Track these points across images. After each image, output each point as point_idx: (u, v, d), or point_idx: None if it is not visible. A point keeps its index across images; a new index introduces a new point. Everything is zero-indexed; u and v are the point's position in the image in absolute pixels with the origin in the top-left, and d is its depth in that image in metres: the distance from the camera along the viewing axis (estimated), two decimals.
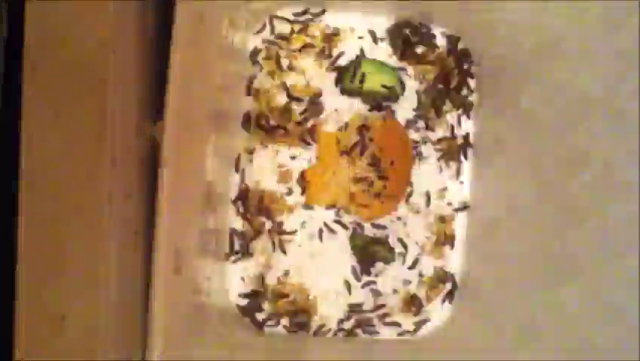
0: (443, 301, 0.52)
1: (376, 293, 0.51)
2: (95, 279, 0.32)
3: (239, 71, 0.50)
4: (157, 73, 0.35)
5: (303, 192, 0.51)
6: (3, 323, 0.30)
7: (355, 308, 0.51)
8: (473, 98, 0.53)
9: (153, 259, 0.33)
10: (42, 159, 0.31)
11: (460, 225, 0.52)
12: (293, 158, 0.51)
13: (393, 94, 0.52)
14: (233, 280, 0.50)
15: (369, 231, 0.51)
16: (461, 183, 0.53)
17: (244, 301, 0.50)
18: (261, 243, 0.50)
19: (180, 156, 0.35)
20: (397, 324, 0.51)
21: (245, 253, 0.50)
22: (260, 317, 0.50)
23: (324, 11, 0.51)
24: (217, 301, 0.48)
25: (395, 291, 0.51)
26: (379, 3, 0.51)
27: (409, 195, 0.52)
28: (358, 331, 0.51)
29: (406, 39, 0.52)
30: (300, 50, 0.51)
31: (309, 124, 0.51)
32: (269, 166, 0.51)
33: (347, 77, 0.51)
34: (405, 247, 0.52)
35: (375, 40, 0.52)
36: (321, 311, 0.51)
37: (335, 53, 0.52)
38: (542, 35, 0.45)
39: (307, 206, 0.51)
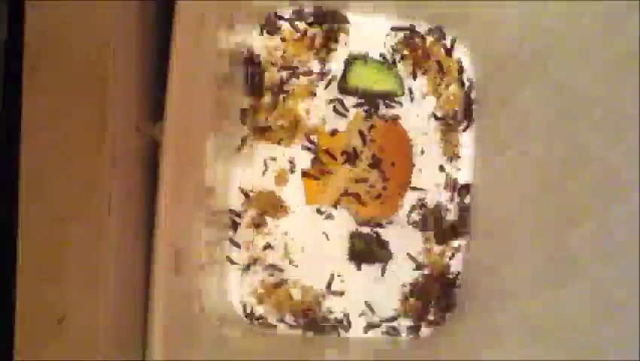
0: (443, 301, 0.52)
1: (376, 294, 0.51)
2: (95, 279, 0.32)
3: (239, 71, 0.50)
4: (157, 73, 0.35)
5: (303, 193, 0.51)
6: (3, 324, 0.30)
7: (354, 309, 0.51)
8: (473, 97, 0.53)
9: (153, 259, 0.33)
10: (42, 159, 0.31)
11: (460, 225, 0.52)
12: (293, 158, 0.51)
13: (394, 94, 0.52)
14: (233, 280, 0.50)
15: (369, 232, 0.51)
16: (462, 183, 0.53)
17: (244, 301, 0.50)
18: (262, 242, 0.50)
19: (180, 156, 0.35)
20: (397, 325, 0.51)
21: (246, 252, 0.50)
22: (260, 317, 0.50)
23: (326, 12, 0.51)
24: (218, 300, 0.48)
25: (395, 291, 0.51)
26: (380, 3, 0.51)
27: (410, 196, 0.52)
28: (358, 331, 0.51)
29: (409, 40, 0.52)
30: (301, 49, 0.51)
31: (310, 124, 0.51)
32: (270, 166, 0.50)
33: (349, 77, 0.51)
34: (405, 247, 0.52)
35: (377, 40, 0.52)
36: (321, 311, 0.51)
37: (337, 52, 0.52)
38: (542, 35, 0.45)
39: (307, 206, 0.51)
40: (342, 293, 0.51)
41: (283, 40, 0.51)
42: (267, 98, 0.50)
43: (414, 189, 0.52)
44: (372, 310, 0.51)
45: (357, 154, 0.51)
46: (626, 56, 0.37)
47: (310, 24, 0.51)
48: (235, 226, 0.50)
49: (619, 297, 0.36)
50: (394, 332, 0.51)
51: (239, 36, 0.49)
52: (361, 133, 0.51)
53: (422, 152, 0.52)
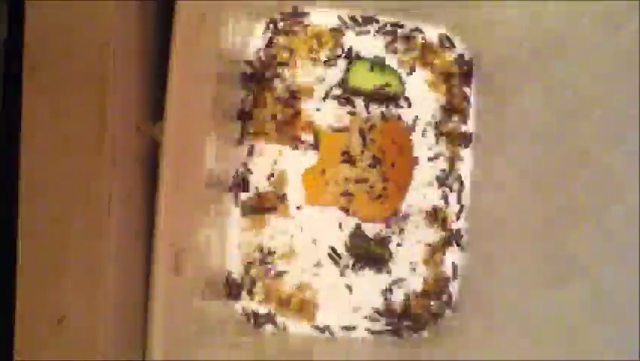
0: (443, 301, 0.52)
1: (376, 294, 0.51)
2: (95, 279, 0.32)
3: (240, 70, 0.50)
4: (157, 73, 0.35)
5: (303, 192, 0.51)
6: (3, 323, 0.30)
7: (354, 308, 0.51)
8: (473, 97, 0.53)
9: (153, 259, 0.33)
10: (42, 159, 0.31)
11: (460, 225, 0.52)
12: (294, 158, 0.51)
13: (395, 94, 0.52)
14: (233, 280, 0.50)
15: (368, 232, 0.51)
16: (462, 184, 0.53)
17: (244, 301, 0.50)
18: (261, 242, 0.50)
19: (180, 156, 0.35)
20: (397, 324, 0.51)
21: (245, 253, 0.50)
22: (260, 316, 0.50)
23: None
24: (218, 301, 0.48)
25: (395, 292, 0.51)
26: (381, 3, 0.51)
27: (410, 196, 0.52)
28: (358, 331, 0.51)
29: (409, 41, 0.52)
30: (302, 49, 0.51)
31: (311, 124, 0.51)
32: (270, 166, 0.50)
33: (350, 78, 0.51)
34: (405, 248, 0.52)
35: (378, 40, 0.52)
36: (321, 311, 0.51)
37: (338, 52, 0.52)
38: (542, 35, 0.45)
39: (307, 206, 0.51)
40: (341, 293, 0.51)
41: (285, 39, 0.51)
42: (268, 98, 0.50)
43: (414, 189, 0.52)
44: (371, 310, 0.51)
45: (357, 154, 0.51)
46: (626, 56, 0.37)
47: (312, 23, 0.51)
48: (235, 225, 0.50)
49: (619, 297, 0.36)
50: (393, 331, 0.51)
51: (240, 35, 0.49)
52: (361, 133, 0.51)
53: (422, 152, 0.52)
